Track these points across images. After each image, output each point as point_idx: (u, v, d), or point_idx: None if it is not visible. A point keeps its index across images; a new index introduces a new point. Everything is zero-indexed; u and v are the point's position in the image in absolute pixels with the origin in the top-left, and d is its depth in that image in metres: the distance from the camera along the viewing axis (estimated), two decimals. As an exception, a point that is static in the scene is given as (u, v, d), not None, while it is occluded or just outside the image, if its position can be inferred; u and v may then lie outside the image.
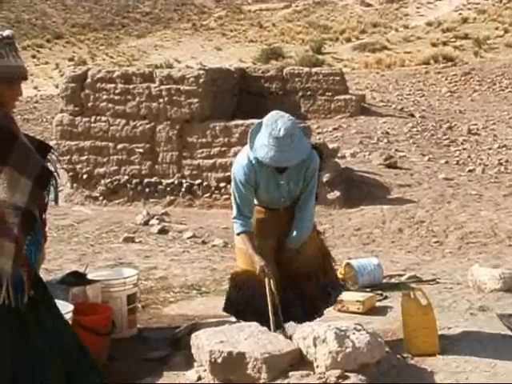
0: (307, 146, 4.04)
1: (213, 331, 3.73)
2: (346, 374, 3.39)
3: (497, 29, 37.46)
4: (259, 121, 4.05)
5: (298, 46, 42.41)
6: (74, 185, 11.85)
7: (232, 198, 4.18)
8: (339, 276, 5.96)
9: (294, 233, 4.19)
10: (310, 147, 4.06)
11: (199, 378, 3.63)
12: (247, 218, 4.12)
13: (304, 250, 4.25)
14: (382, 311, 5.26)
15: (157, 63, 36.02)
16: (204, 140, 11.25)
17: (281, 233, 4.24)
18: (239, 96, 14.85)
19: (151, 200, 11.51)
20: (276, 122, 3.90)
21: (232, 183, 4.16)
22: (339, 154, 13.57)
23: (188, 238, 9.04)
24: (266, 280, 4.04)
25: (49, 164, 3.06)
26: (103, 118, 11.59)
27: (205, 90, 11.36)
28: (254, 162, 4.03)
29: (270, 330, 3.84)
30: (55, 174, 3.05)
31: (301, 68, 17.59)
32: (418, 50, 34.84)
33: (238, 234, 4.16)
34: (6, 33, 3.04)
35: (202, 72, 11.56)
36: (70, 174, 11.78)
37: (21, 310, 2.87)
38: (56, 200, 3.09)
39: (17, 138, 2.90)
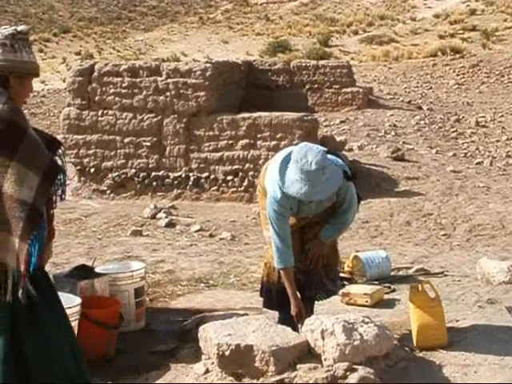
0: (339, 175, 3.93)
1: (220, 324, 3.73)
2: (354, 366, 3.38)
3: (505, 20, 37.19)
4: (285, 154, 3.98)
5: (305, 38, 42.24)
6: (82, 178, 11.86)
7: (272, 233, 4.05)
8: (347, 269, 6.00)
9: (329, 230, 4.23)
10: (341, 175, 3.95)
11: (207, 371, 3.63)
12: (289, 246, 4.06)
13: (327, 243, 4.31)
14: (390, 304, 5.26)
15: (163, 57, 35.97)
16: (211, 133, 11.23)
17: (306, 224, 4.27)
18: (246, 89, 14.81)
19: (158, 193, 11.51)
20: (306, 155, 3.80)
21: (271, 217, 4.03)
22: (346, 147, 13.54)
23: (195, 231, 9.05)
24: (300, 324, 4.08)
25: (57, 159, 3.04)
26: (110, 112, 11.58)
27: (212, 84, 11.34)
28: (287, 193, 3.93)
29: None
30: (64, 169, 3.02)
31: (308, 61, 17.55)
32: (425, 42, 34.66)
33: (281, 269, 4.10)
34: (21, 28, 3.00)
35: (208, 65, 11.54)
36: (78, 167, 11.79)
37: (15, 308, 2.84)
38: (62, 195, 3.06)
39: (25, 133, 2.86)
